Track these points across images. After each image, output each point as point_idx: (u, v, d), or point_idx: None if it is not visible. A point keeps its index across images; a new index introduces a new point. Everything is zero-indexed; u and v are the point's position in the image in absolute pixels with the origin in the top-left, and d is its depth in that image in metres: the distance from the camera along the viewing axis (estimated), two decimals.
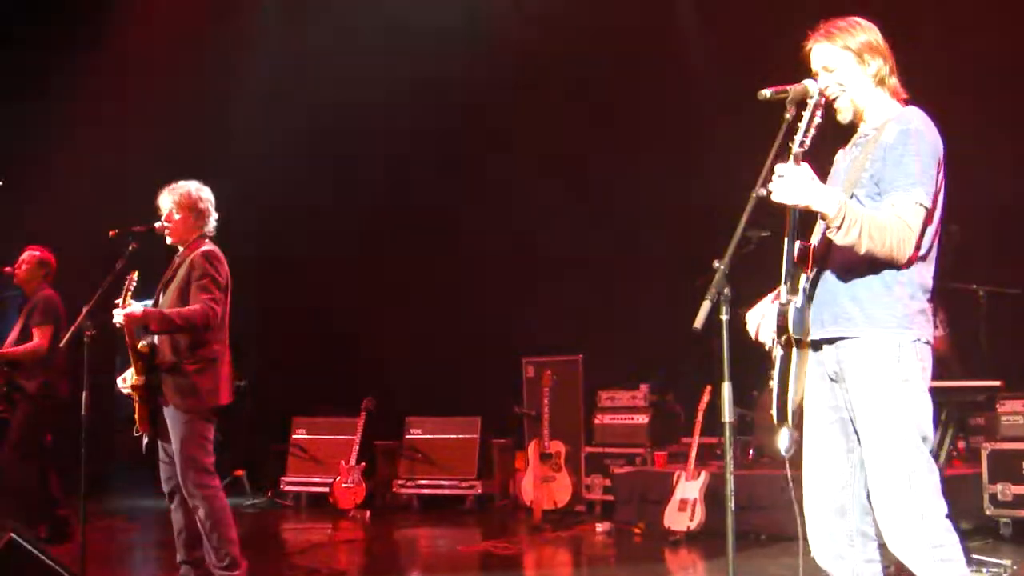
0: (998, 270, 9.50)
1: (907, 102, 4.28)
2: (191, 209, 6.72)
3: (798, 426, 4.16)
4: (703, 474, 9.31)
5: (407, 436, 11.94)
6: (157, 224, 6.87)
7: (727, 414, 4.08)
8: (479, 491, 11.55)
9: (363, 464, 11.53)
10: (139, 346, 6.44)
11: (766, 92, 4.10)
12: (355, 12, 13.09)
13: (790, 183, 3.89)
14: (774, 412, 4.15)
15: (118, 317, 6.31)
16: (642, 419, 10.90)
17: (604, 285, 12.19)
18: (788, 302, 4.14)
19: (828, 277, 4.17)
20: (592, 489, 10.89)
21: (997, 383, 7.55)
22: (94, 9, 13.41)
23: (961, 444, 9.13)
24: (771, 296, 4.40)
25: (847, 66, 4.23)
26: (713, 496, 9.26)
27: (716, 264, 3.93)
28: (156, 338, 6.50)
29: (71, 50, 13.05)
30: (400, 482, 11.84)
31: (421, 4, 12.72)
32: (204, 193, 6.80)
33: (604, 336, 11.68)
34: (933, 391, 6.81)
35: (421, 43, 12.60)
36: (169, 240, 6.77)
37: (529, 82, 12.74)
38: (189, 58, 13.22)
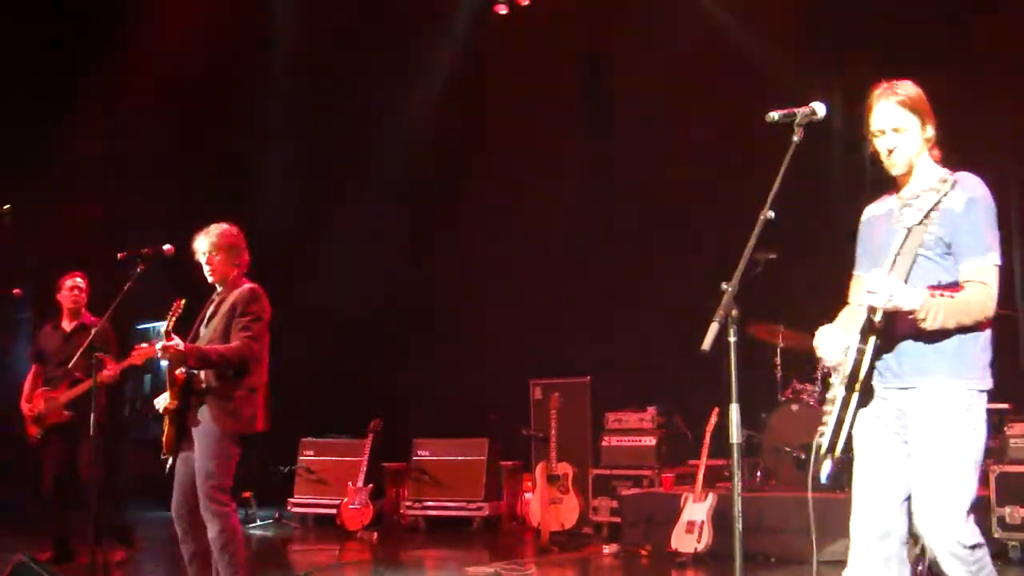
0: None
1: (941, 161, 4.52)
2: (229, 249, 6.91)
3: (842, 459, 4.48)
4: (711, 496, 9.30)
5: (414, 458, 11.94)
6: (166, 247, 6.99)
7: (735, 435, 4.12)
8: (486, 513, 11.55)
9: (371, 485, 11.53)
10: (176, 372, 6.64)
11: (774, 115, 4.15)
12: None
13: (882, 293, 4.20)
14: (824, 442, 4.49)
15: (159, 348, 6.56)
16: (650, 441, 10.89)
17: (612, 307, 12.21)
18: (861, 351, 4.39)
19: (902, 330, 4.40)
20: (599, 511, 10.88)
21: (1005, 406, 7.56)
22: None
23: None
24: (843, 319, 4.76)
25: (913, 128, 4.47)
26: (721, 518, 9.25)
27: (724, 286, 3.96)
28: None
29: None
30: (407, 503, 11.84)
31: None
32: (236, 230, 7.00)
33: (612, 358, 11.70)
34: None
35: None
36: (211, 279, 6.94)
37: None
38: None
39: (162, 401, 6.72)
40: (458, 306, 12.84)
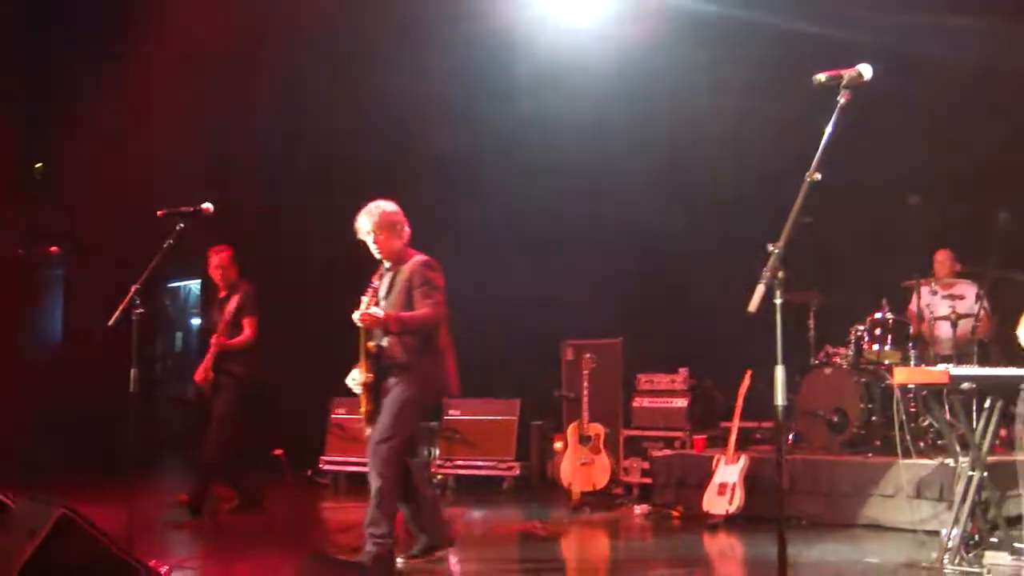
0: None
1: None
2: (391, 226, 7.31)
3: None
4: (743, 458, 9.32)
5: (446, 417, 11.98)
6: (205, 205, 7.12)
7: (780, 397, 4.12)
8: (517, 472, 11.61)
9: None
10: (369, 345, 7.10)
11: (820, 77, 4.13)
12: None
13: None
14: None
15: (357, 318, 7.01)
16: (681, 403, 10.93)
17: (644, 268, 12.19)
18: None
19: None
20: (630, 472, 10.93)
21: None
22: None
23: (1003, 431, 9.08)
24: None
25: None
26: (753, 480, 9.28)
27: (770, 248, 3.95)
28: (385, 340, 7.14)
29: None
30: (438, 463, 11.89)
31: None
32: (395, 207, 7.38)
33: (643, 319, 11.70)
34: (976, 378, 6.85)
35: None
36: (378, 256, 7.35)
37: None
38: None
39: (357, 377, 7.21)
40: (490, 266, 12.82)
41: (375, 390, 7.13)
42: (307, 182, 14.20)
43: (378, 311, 7.02)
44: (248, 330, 9.85)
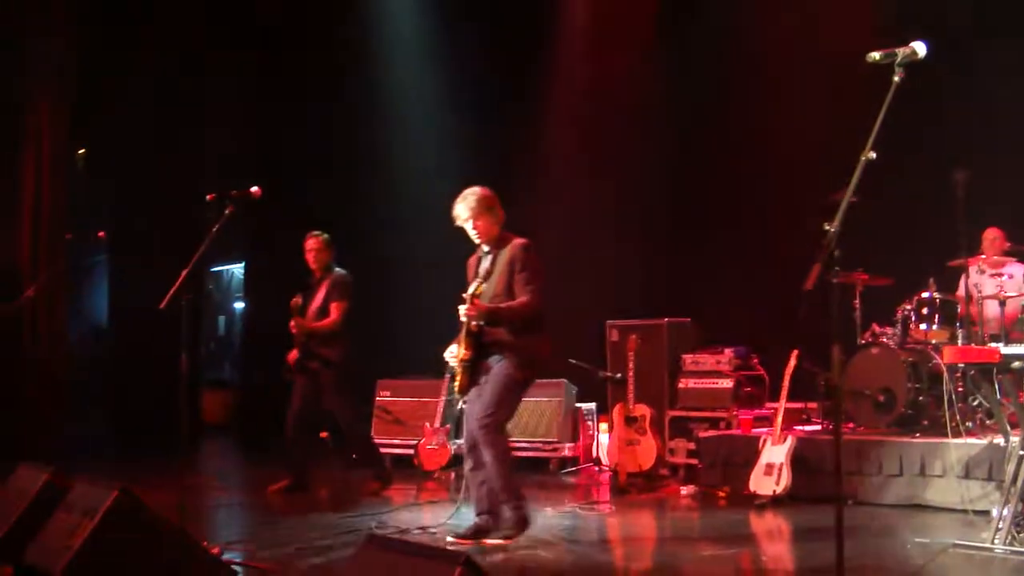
0: None
1: None
2: (489, 210, 7.65)
3: None
4: (790, 438, 9.31)
5: None
6: (253, 189, 7.23)
7: (836, 376, 4.11)
8: (564, 454, 11.63)
9: (448, 426, 11.63)
10: (471, 325, 7.48)
11: (875, 55, 4.11)
12: None
13: None
14: None
15: (464, 310, 7.42)
16: (727, 383, 10.89)
17: (692, 247, 12.17)
18: None
19: None
20: (676, 453, 10.92)
21: None
22: None
23: None
24: None
25: None
26: (800, 460, 9.27)
27: (827, 227, 3.95)
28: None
29: None
30: None
31: None
32: (489, 192, 7.70)
33: (689, 299, 11.68)
34: (1013, 356, 6.80)
35: None
36: (477, 240, 7.71)
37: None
38: None
39: (455, 352, 7.58)
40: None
41: (472, 366, 7.54)
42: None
43: (478, 306, 7.39)
44: (333, 314, 10.11)
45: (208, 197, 7.45)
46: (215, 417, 16.52)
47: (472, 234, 7.69)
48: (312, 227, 10.36)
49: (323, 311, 10.15)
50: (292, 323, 10.05)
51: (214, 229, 7.28)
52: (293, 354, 10.15)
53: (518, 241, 7.62)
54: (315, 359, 10.07)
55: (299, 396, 10.15)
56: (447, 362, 7.72)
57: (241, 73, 14.80)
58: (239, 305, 19.35)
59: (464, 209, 7.62)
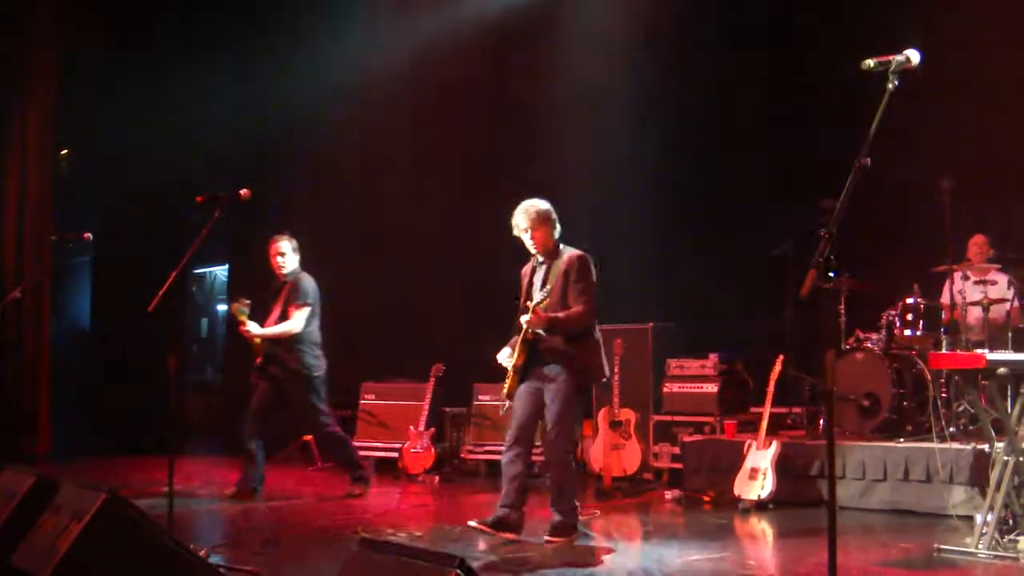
0: None
1: None
2: (546, 221, 7.96)
3: None
4: (774, 443, 9.35)
5: (476, 402, 12.03)
6: (242, 191, 7.23)
7: (830, 381, 4.15)
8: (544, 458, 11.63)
9: (432, 430, 11.65)
10: (527, 333, 7.78)
11: (870, 62, 4.14)
12: None
13: None
14: None
15: (524, 320, 7.71)
16: (711, 388, 10.94)
17: (677, 252, 12.19)
18: None
19: None
20: (660, 457, 10.96)
21: None
22: None
23: None
24: None
25: None
26: (784, 465, 9.31)
27: (822, 232, 3.97)
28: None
29: None
30: (469, 448, 11.94)
31: None
32: (548, 204, 8.01)
33: (674, 304, 11.70)
34: (1012, 363, 6.86)
35: None
36: (534, 251, 8.05)
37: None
38: None
39: (508, 357, 7.89)
40: (520, 251, 12.86)
41: (524, 372, 7.86)
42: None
43: (546, 315, 7.69)
44: (293, 319, 9.91)
45: (197, 199, 7.44)
46: (198, 419, 16.48)
47: (529, 244, 7.99)
48: (290, 230, 10.32)
49: (283, 316, 10.00)
50: (241, 329, 9.87)
51: (203, 231, 7.26)
52: (259, 358, 10.01)
53: (575, 253, 7.92)
54: (275, 364, 9.93)
55: (257, 400, 10.01)
56: (502, 365, 7.98)
57: (227, 73, 14.73)
58: (222, 307, 19.30)
59: (524, 219, 7.91)
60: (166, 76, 14.22)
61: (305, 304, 9.95)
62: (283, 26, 14.50)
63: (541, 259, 8.06)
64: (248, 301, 9.93)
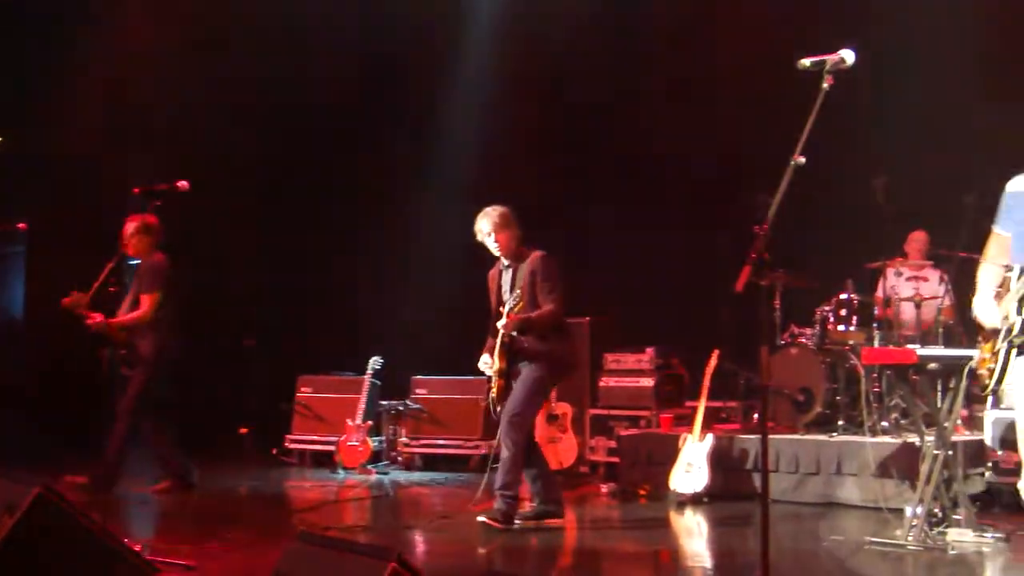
0: None
1: None
2: (507, 225, 8.15)
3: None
4: (709, 437, 9.41)
5: (412, 396, 12.01)
6: (180, 183, 7.17)
7: (766, 377, 4.21)
8: (484, 451, 11.64)
9: (368, 423, 11.61)
10: (504, 337, 7.97)
11: (805, 62, 4.20)
12: None
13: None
14: (991, 382, 5.44)
15: (502, 324, 7.92)
16: (647, 382, 11.01)
17: (613, 247, 12.24)
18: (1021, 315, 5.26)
19: None
20: (596, 451, 11.01)
21: None
22: None
23: (964, 412, 9.23)
24: (987, 279, 5.69)
25: None
26: (719, 459, 9.39)
27: (756, 229, 4.02)
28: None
29: None
30: (405, 441, 11.92)
31: None
32: (509, 209, 8.21)
33: (610, 299, 11.75)
34: (942, 359, 6.97)
35: None
36: (497, 254, 8.22)
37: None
38: None
39: (487, 362, 8.16)
40: (458, 243, 12.87)
41: (507, 374, 8.04)
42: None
43: (519, 317, 7.88)
44: (143, 305, 9.29)
45: (134, 191, 7.37)
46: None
47: (493, 247, 8.17)
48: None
49: (135, 302, 9.36)
50: (90, 321, 9.06)
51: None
52: (104, 349, 9.15)
53: (537, 253, 8.11)
54: (132, 352, 9.25)
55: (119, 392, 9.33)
56: (483, 371, 8.26)
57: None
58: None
59: (487, 224, 8.12)
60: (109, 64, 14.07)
61: (155, 289, 9.33)
62: None
63: (507, 262, 8.23)
64: (81, 293, 9.05)
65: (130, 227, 9.31)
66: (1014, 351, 5.32)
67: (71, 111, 13.54)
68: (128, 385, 9.28)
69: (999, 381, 5.39)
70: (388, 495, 10.05)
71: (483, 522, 7.95)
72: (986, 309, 5.59)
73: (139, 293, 9.37)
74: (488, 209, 8.18)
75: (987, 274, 5.65)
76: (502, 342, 8.01)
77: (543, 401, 8.52)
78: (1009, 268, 5.61)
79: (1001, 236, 5.58)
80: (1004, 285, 5.49)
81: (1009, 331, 5.29)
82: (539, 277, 8.01)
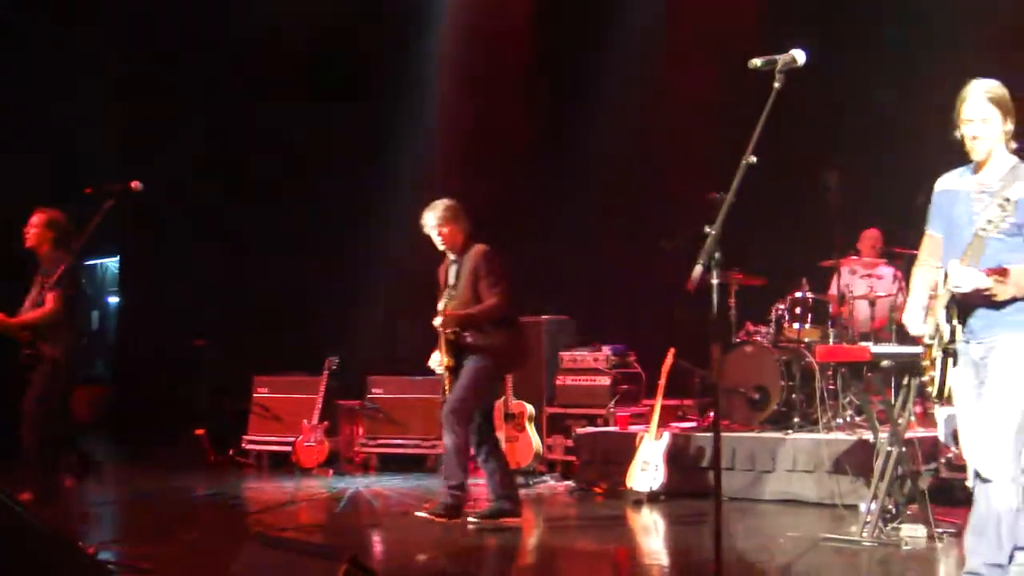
0: None
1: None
2: (453, 219, 8.15)
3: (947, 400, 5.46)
4: (666, 435, 9.44)
5: (369, 396, 11.98)
6: (133, 183, 7.13)
7: (717, 375, 4.22)
8: (441, 451, 11.62)
9: (325, 423, 11.57)
10: (447, 334, 8.00)
11: (756, 61, 4.23)
12: None
13: (965, 284, 5.04)
14: (934, 391, 5.46)
15: (438, 323, 7.97)
16: (604, 380, 11.01)
17: (569, 247, 12.27)
18: (951, 323, 5.26)
19: (976, 301, 5.19)
20: (554, 449, 11.01)
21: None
22: None
23: (919, 409, 9.31)
24: (919, 283, 5.65)
25: (996, 120, 5.16)
26: (676, 457, 9.42)
27: (707, 229, 4.04)
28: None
29: None
30: (362, 441, 11.89)
31: None
32: (455, 202, 8.22)
33: (567, 297, 11.77)
34: (895, 356, 7.03)
35: None
36: (442, 248, 8.23)
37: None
38: None
39: (437, 361, 8.18)
40: (413, 243, 12.86)
41: (456, 372, 8.05)
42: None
43: (448, 314, 7.93)
44: (49, 305, 8.68)
45: (86, 191, 7.32)
46: (86, 414, 16.20)
47: (437, 241, 8.18)
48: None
49: (41, 301, 8.75)
50: None
51: (92, 222, 7.14)
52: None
53: (478, 248, 8.12)
54: (35, 353, 8.74)
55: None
56: (434, 370, 8.29)
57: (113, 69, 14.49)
58: (113, 299, 19.00)
59: (432, 218, 8.12)
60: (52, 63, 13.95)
61: (60, 288, 8.68)
62: None
63: (453, 257, 8.25)
64: None
65: (34, 218, 8.90)
66: (950, 359, 5.35)
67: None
68: (30, 388, 8.74)
69: (940, 391, 5.42)
70: (345, 495, 9.98)
71: (424, 517, 8.01)
72: (913, 318, 5.61)
73: (45, 292, 8.75)
74: (436, 202, 8.21)
75: (920, 278, 5.63)
76: (447, 339, 8.04)
77: (487, 394, 8.43)
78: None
79: (933, 237, 5.55)
80: (937, 288, 5.50)
81: (942, 338, 5.32)
82: (482, 272, 8.04)
